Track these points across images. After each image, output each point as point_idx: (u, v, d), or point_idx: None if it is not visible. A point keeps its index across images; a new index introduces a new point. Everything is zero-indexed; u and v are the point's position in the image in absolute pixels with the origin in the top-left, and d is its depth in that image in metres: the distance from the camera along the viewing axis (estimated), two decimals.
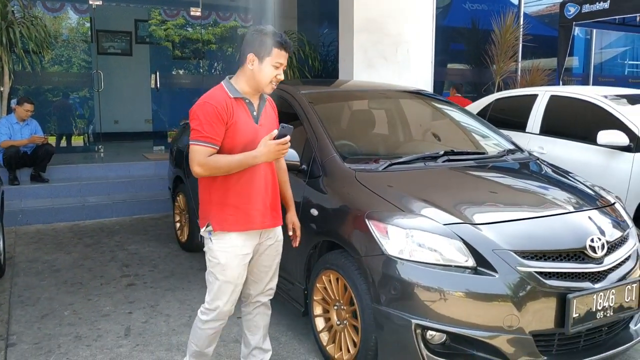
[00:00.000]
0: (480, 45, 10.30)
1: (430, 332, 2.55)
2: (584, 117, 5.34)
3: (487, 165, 3.56)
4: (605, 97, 5.24)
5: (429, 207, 2.80)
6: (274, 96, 4.11)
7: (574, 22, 8.29)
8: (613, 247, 2.84)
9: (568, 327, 2.56)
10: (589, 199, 3.17)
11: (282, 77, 2.51)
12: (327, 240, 3.10)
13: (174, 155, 5.53)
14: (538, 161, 3.76)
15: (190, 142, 2.41)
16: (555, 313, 2.56)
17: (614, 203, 3.25)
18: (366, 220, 2.77)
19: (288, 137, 2.40)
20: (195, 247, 4.97)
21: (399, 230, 2.67)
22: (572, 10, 8.24)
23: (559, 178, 3.50)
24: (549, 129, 5.56)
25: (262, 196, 2.54)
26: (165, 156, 7.01)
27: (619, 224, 3.03)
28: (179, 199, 5.34)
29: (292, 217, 2.79)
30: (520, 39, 9.65)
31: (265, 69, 2.45)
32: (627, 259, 2.86)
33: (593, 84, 11.55)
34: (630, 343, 2.84)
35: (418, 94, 4.66)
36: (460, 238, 2.62)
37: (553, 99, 5.66)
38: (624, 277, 2.77)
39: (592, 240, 2.72)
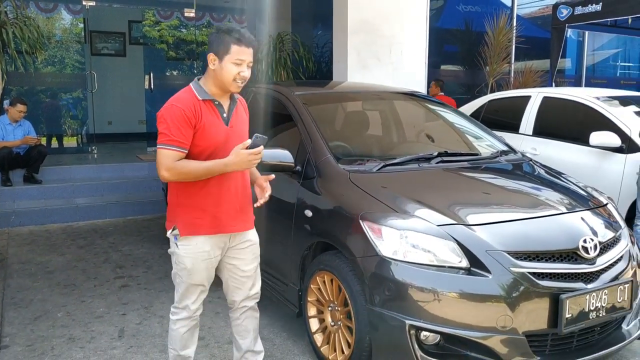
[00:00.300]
0: (473, 47, 10.33)
1: (424, 333, 2.56)
2: (577, 119, 5.37)
3: (480, 167, 3.58)
4: (598, 98, 5.27)
5: (422, 208, 2.81)
6: (268, 97, 4.13)
7: (566, 24, 8.33)
8: (605, 247, 2.86)
9: (561, 328, 2.58)
10: (581, 200, 3.18)
11: (246, 74, 2.42)
12: (321, 242, 3.11)
13: None
14: (531, 162, 3.78)
15: (157, 146, 2.38)
16: (548, 313, 2.58)
17: (607, 204, 3.27)
18: (360, 221, 2.78)
19: (261, 147, 2.37)
20: None
21: (393, 231, 2.68)
22: (564, 12, 8.28)
23: (551, 179, 3.52)
24: (541, 130, 5.59)
25: (231, 199, 2.51)
26: None
27: (611, 224, 3.05)
28: None
29: (259, 179, 2.71)
30: (513, 40, 9.69)
31: (226, 67, 2.40)
32: (619, 259, 2.88)
33: (585, 86, 11.61)
34: (623, 343, 2.85)
35: (412, 95, 4.67)
36: (454, 239, 2.63)
37: (546, 101, 5.69)
38: (616, 278, 2.78)
39: (584, 241, 2.74)
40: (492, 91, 8.93)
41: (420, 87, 7.36)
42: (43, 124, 9.69)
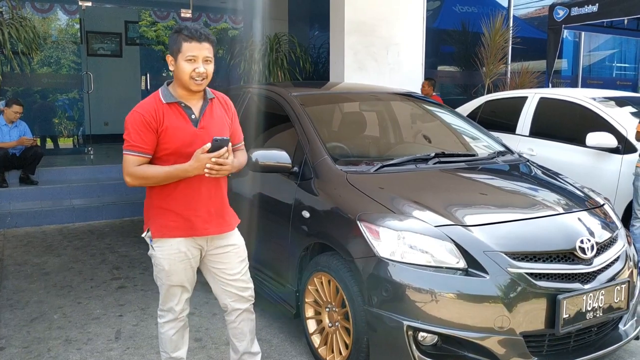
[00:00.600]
0: (470, 48, 10.36)
1: (421, 334, 2.56)
2: (573, 119, 5.38)
3: (477, 167, 3.58)
4: (594, 99, 5.29)
5: (420, 209, 2.81)
6: (265, 98, 4.13)
7: (563, 25, 8.35)
8: (602, 248, 2.86)
9: (558, 328, 2.58)
10: (578, 201, 3.19)
11: (202, 69, 2.37)
12: (318, 243, 3.10)
13: None
14: (528, 163, 3.79)
15: (123, 152, 2.40)
16: (545, 314, 2.58)
17: (603, 204, 3.28)
18: (358, 222, 2.77)
19: (224, 150, 2.32)
20: None
21: (391, 232, 2.68)
22: (561, 13, 8.30)
23: (548, 180, 3.53)
24: (538, 130, 5.60)
25: (204, 203, 2.48)
26: None
27: (608, 225, 3.06)
28: None
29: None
30: (510, 41, 9.71)
31: (180, 66, 2.37)
32: (616, 259, 2.89)
33: (582, 87, 11.64)
34: (620, 343, 2.86)
35: (409, 96, 4.67)
36: (452, 240, 2.64)
37: (542, 101, 5.70)
38: (613, 278, 2.79)
39: (581, 242, 2.74)
40: (489, 92, 8.95)
41: (417, 88, 7.38)
42: (39, 125, 9.66)
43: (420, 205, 2.84)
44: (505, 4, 10.78)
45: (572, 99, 5.45)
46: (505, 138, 4.78)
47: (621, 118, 4.96)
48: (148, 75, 10.12)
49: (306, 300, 3.16)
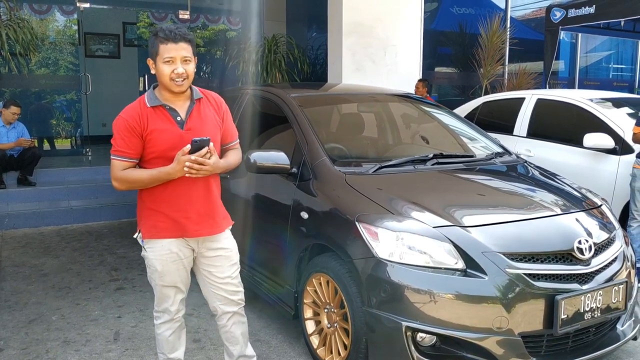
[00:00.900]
0: (467, 49, 10.37)
1: (420, 335, 2.56)
2: (571, 120, 5.40)
3: (475, 168, 3.59)
4: (591, 100, 5.30)
5: (418, 210, 2.82)
6: (263, 99, 4.13)
7: (560, 27, 8.38)
8: (600, 248, 2.87)
9: (556, 328, 2.59)
10: (576, 201, 3.20)
11: (180, 70, 2.35)
12: (317, 243, 3.10)
13: None
14: (525, 164, 3.80)
15: (110, 157, 2.42)
16: (543, 314, 2.59)
17: (601, 205, 3.29)
18: (356, 223, 2.78)
19: (204, 150, 2.32)
20: None
21: (389, 233, 2.68)
22: (558, 14, 8.32)
23: (546, 180, 3.54)
24: (536, 131, 5.61)
25: (194, 204, 2.48)
26: None
27: (605, 226, 3.07)
28: None
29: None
30: (507, 42, 9.73)
31: (160, 69, 2.37)
32: (613, 260, 2.90)
33: (579, 88, 11.67)
34: (618, 343, 2.87)
35: (407, 97, 4.68)
36: (450, 240, 2.64)
37: (540, 102, 5.72)
38: (611, 279, 2.80)
39: (579, 242, 2.75)
40: (486, 93, 8.97)
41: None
42: (37, 126, 9.65)
43: (418, 206, 2.85)
44: (503, 6, 10.80)
45: (569, 100, 5.47)
46: (503, 139, 4.79)
47: (618, 119, 4.97)
48: (146, 76, 10.10)
49: (305, 301, 3.16)
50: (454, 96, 11.35)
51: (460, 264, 2.59)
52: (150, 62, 2.43)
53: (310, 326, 3.16)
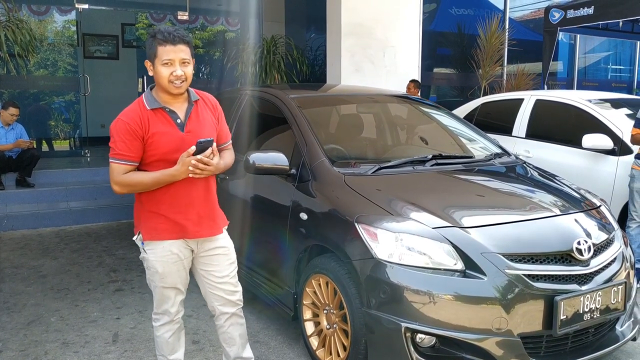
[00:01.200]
0: (466, 50, 10.38)
1: (419, 335, 2.56)
2: (569, 121, 5.40)
3: (474, 169, 3.59)
4: (590, 101, 5.31)
5: (418, 211, 2.82)
6: (262, 100, 4.13)
7: (558, 27, 8.38)
8: (599, 249, 2.87)
9: (556, 329, 2.59)
10: (575, 202, 3.20)
11: (179, 72, 2.35)
12: (316, 244, 3.10)
13: None
14: (524, 165, 3.80)
15: (109, 160, 2.40)
16: (543, 315, 2.59)
17: (600, 206, 3.29)
18: (355, 224, 2.78)
19: (209, 151, 2.33)
20: None
21: (389, 233, 2.68)
22: (557, 15, 8.33)
23: (545, 181, 3.54)
24: (534, 132, 5.62)
25: (194, 206, 2.49)
26: None
27: (604, 226, 3.07)
28: None
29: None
30: (506, 43, 9.74)
31: (158, 71, 2.36)
32: (612, 261, 2.90)
33: (577, 88, 11.68)
34: (617, 344, 2.87)
35: (406, 98, 4.68)
36: (449, 241, 2.64)
37: (538, 103, 5.72)
38: (610, 279, 2.80)
39: (578, 243, 2.75)
40: (485, 94, 8.97)
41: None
42: (35, 128, 9.64)
43: (417, 207, 2.85)
44: (501, 7, 10.81)
45: (567, 100, 5.48)
46: (502, 140, 4.79)
47: (617, 120, 4.98)
48: (145, 77, 10.10)
49: (304, 302, 3.16)
50: (453, 97, 11.36)
51: (460, 265, 2.59)
52: (148, 64, 2.42)
53: (309, 327, 3.15)
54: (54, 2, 9.78)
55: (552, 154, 5.28)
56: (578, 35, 11.52)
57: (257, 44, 9.09)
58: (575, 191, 3.42)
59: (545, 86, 8.75)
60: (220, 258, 2.60)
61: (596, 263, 2.79)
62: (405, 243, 2.65)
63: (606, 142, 4.78)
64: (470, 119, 6.08)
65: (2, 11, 7.27)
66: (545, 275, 2.65)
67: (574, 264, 2.72)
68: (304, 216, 3.16)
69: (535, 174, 3.67)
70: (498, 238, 2.70)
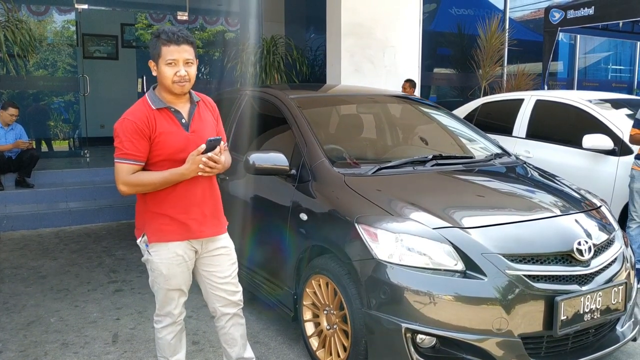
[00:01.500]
0: (466, 50, 10.38)
1: (420, 336, 2.56)
2: (570, 121, 5.40)
3: (474, 170, 3.59)
4: (590, 101, 5.31)
5: (418, 211, 2.81)
6: (262, 101, 4.13)
7: (558, 28, 8.38)
8: (600, 250, 2.87)
9: (556, 330, 2.59)
10: (575, 203, 3.20)
11: (183, 73, 2.36)
12: (316, 245, 3.10)
13: None
14: (525, 165, 3.80)
15: (114, 160, 2.38)
16: (543, 315, 2.59)
17: (600, 206, 3.28)
18: (356, 225, 2.77)
19: (218, 149, 2.35)
20: None
21: (389, 234, 2.68)
22: (557, 15, 8.33)
23: (545, 182, 3.53)
24: (535, 133, 5.62)
25: (199, 205, 2.49)
26: None
27: (605, 227, 3.06)
28: None
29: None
30: (506, 43, 9.74)
31: (162, 71, 2.37)
32: (613, 261, 2.90)
33: (577, 89, 11.68)
34: (617, 345, 2.87)
35: (406, 98, 4.68)
36: (450, 242, 2.64)
37: (539, 104, 5.72)
38: (610, 280, 2.80)
39: (579, 243, 2.75)
40: (485, 94, 8.97)
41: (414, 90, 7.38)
42: (35, 128, 9.63)
43: (418, 208, 2.84)
44: (501, 7, 10.81)
45: (568, 101, 5.47)
46: (502, 140, 4.79)
47: (617, 120, 4.98)
48: (144, 78, 10.09)
49: (304, 303, 3.15)
50: (453, 97, 11.36)
51: (460, 266, 2.59)
52: (151, 63, 2.42)
53: (309, 328, 3.15)
54: (53, 2, 9.77)
55: (552, 154, 5.28)
56: (578, 36, 11.53)
57: (256, 44, 9.09)
58: (576, 191, 3.41)
59: (546, 86, 8.76)
60: (222, 258, 2.60)
61: (597, 263, 2.79)
62: (405, 243, 2.64)
63: (606, 143, 4.78)
64: (471, 119, 6.07)
65: (1, 11, 7.26)
66: (545, 276, 2.64)
67: (575, 265, 2.72)
68: (304, 217, 3.15)
69: (536, 174, 3.66)
70: (498, 238, 2.69)
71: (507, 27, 10.13)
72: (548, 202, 3.12)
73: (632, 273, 3.01)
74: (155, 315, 2.64)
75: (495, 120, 6.11)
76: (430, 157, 3.49)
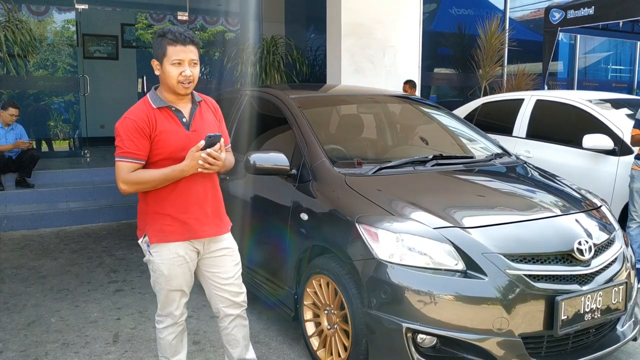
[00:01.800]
0: (466, 50, 10.38)
1: (420, 336, 2.56)
2: (570, 121, 5.40)
3: (475, 169, 3.59)
4: (590, 101, 5.31)
5: (418, 211, 2.81)
6: (262, 100, 4.13)
7: (559, 28, 8.39)
8: (600, 249, 2.87)
9: (557, 329, 2.59)
10: (575, 202, 3.20)
11: (188, 73, 2.36)
12: (317, 245, 3.10)
13: None
14: (525, 165, 3.80)
15: (115, 159, 2.39)
16: (544, 315, 2.59)
17: (600, 206, 3.29)
18: (356, 225, 2.77)
19: (218, 145, 2.34)
20: None
21: (389, 234, 2.68)
22: (557, 15, 8.33)
23: (546, 181, 3.54)
24: (535, 132, 5.62)
25: (200, 204, 2.48)
26: None
27: (605, 226, 3.07)
28: None
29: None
30: (506, 43, 9.74)
31: (167, 70, 2.36)
32: (613, 261, 2.90)
33: (578, 89, 11.68)
34: (618, 344, 2.87)
35: (406, 98, 4.68)
36: (450, 242, 2.64)
37: (539, 104, 5.72)
38: (610, 279, 2.80)
39: (579, 243, 2.75)
40: (485, 94, 8.97)
41: (415, 90, 7.38)
42: (35, 128, 9.63)
43: (418, 208, 2.84)
44: (502, 7, 10.81)
45: (568, 101, 5.47)
46: (502, 140, 4.79)
47: (617, 120, 4.98)
48: (145, 78, 10.10)
49: (305, 302, 3.15)
50: (453, 97, 11.36)
51: (461, 265, 2.59)
52: (155, 63, 2.41)
53: (310, 328, 3.15)
54: (53, 2, 9.78)
55: (552, 154, 5.28)
56: (578, 36, 11.53)
57: (257, 44, 9.09)
58: (576, 191, 3.41)
59: (546, 86, 8.76)
60: (226, 259, 2.60)
61: (597, 263, 2.79)
62: (406, 243, 2.64)
63: (606, 143, 4.78)
64: (471, 119, 6.08)
65: (1, 11, 7.26)
66: (546, 276, 2.64)
67: (575, 264, 2.72)
68: (304, 216, 3.16)
69: (536, 174, 3.66)
70: (499, 238, 2.70)
71: (507, 27, 10.13)
72: (548, 202, 3.12)
73: (633, 273, 3.01)
74: (156, 316, 2.65)
75: (496, 120, 6.12)
76: (431, 157, 3.49)
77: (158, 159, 2.40)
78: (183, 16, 10.32)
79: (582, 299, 2.64)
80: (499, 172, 3.63)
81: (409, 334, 2.54)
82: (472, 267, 2.58)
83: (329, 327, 3.00)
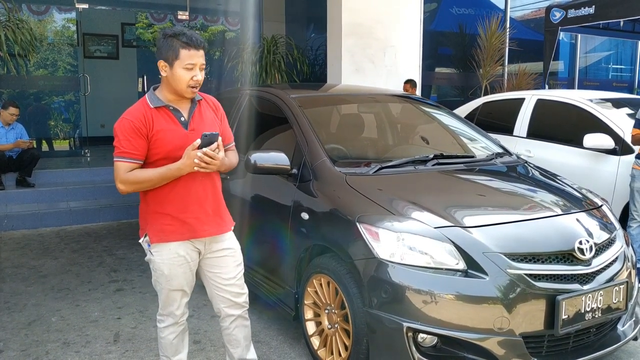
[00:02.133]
0: (467, 50, 10.38)
1: (421, 335, 2.55)
2: (570, 121, 5.40)
3: (476, 169, 3.59)
4: (591, 100, 5.30)
5: (419, 211, 2.81)
6: (263, 100, 4.13)
7: (559, 27, 8.38)
8: (601, 249, 2.87)
9: (557, 329, 2.59)
10: (576, 202, 3.20)
11: (199, 77, 2.36)
12: (317, 244, 3.10)
13: None
14: (526, 164, 3.80)
15: (113, 159, 2.39)
16: (544, 315, 2.58)
17: (601, 205, 3.28)
18: (357, 224, 2.77)
19: (215, 145, 2.32)
20: None
21: (390, 233, 2.68)
22: (557, 15, 8.33)
23: (546, 181, 3.53)
24: (535, 132, 5.62)
25: (201, 204, 2.47)
26: None
27: (606, 226, 3.06)
28: None
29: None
30: (507, 43, 9.74)
31: (177, 73, 2.34)
32: (614, 260, 2.90)
33: (578, 88, 11.68)
34: (618, 344, 2.87)
35: (407, 97, 4.68)
36: (451, 241, 2.64)
37: (540, 103, 5.72)
38: (611, 279, 2.80)
39: (580, 243, 2.75)
40: (486, 94, 8.97)
41: (415, 90, 7.38)
42: (35, 127, 9.63)
43: (419, 207, 2.84)
44: (502, 6, 10.81)
45: (569, 100, 5.47)
46: (503, 139, 4.79)
47: (618, 119, 4.97)
48: (145, 77, 10.10)
49: (305, 302, 3.15)
50: (454, 97, 11.36)
51: (461, 265, 2.59)
52: (163, 64, 2.38)
53: (310, 327, 3.15)
54: (54, 1, 9.78)
55: (553, 153, 5.28)
56: (579, 35, 11.52)
57: (257, 44, 9.09)
58: (577, 191, 3.41)
59: (546, 86, 8.76)
60: (227, 260, 2.60)
61: (598, 262, 2.79)
62: (406, 243, 2.64)
63: (607, 142, 4.78)
64: (472, 119, 6.07)
65: (2, 11, 7.26)
66: (547, 275, 2.64)
67: (576, 264, 2.72)
68: (305, 216, 3.15)
69: (537, 173, 3.66)
70: (500, 238, 2.69)
71: (507, 26, 10.12)
72: (549, 201, 3.12)
73: (633, 272, 3.01)
74: (157, 315, 2.65)
75: (496, 120, 6.11)
76: (432, 156, 3.48)
77: (156, 158, 2.39)
78: (183, 15, 10.33)
79: (583, 298, 2.64)
80: (499, 172, 3.62)
81: (410, 334, 2.54)
82: (473, 266, 2.58)
83: (329, 326, 3.00)
